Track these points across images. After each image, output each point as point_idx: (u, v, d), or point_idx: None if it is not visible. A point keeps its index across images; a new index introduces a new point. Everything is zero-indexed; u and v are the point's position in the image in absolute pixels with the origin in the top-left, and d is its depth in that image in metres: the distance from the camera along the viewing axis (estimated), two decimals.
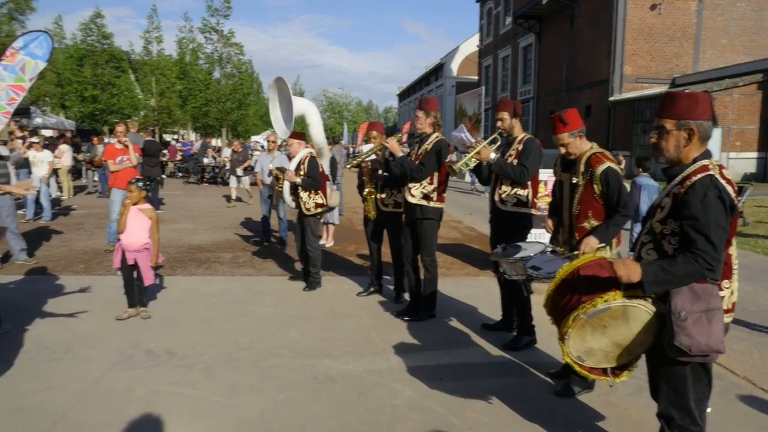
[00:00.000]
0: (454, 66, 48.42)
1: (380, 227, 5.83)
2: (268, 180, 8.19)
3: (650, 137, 2.47)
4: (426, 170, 4.89)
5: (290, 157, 6.40)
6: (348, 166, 5.74)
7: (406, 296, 5.60)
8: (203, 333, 4.73)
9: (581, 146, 3.63)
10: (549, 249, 3.59)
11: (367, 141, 6.25)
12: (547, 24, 27.55)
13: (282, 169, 6.42)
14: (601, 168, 3.48)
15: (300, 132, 6.46)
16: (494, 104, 31.92)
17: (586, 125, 3.72)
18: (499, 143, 4.63)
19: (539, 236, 5.77)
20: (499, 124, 4.56)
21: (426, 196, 4.94)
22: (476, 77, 39.23)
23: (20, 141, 9.85)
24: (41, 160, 9.84)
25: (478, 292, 6.15)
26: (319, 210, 6.18)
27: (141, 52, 34.94)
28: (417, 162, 4.95)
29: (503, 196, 4.52)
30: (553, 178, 4.06)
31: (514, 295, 4.55)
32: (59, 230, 9.50)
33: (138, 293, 5.17)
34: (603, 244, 3.48)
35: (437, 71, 51.99)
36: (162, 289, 6.00)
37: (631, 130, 20.83)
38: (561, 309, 2.51)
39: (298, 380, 3.84)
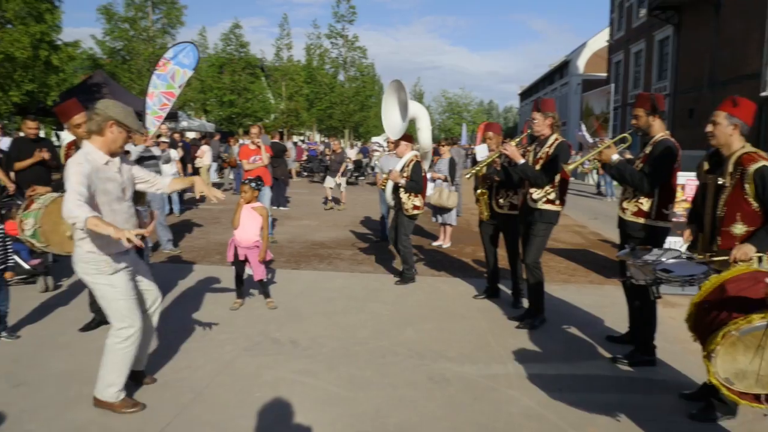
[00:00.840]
0: (581, 63, 46.06)
1: (496, 229, 5.71)
2: None
3: None
4: (548, 176, 4.71)
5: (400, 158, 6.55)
6: (467, 176, 5.75)
7: (525, 302, 5.42)
8: (324, 326, 4.94)
9: (729, 138, 3.27)
10: (685, 255, 3.29)
11: (483, 142, 6.19)
12: (687, 14, 25.27)
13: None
14: (754, 166, 3.11)
15: (408, 134, 6.56)
16: (624, 102, 29.95)
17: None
18: (628, 143, 4.32)
19: (673, 245, 5.29)
20: (633, 122, 4.22)
21: (547, 200, 4.77)
22: (605, 74, 37.02)
23: (165, 143, 10.84)
24: None
25: (603, 301, 5.80)
26: (416, 212, 6.32)
27: (273, 59, 37.39)
28: (537, 166, 4.78)
29: (623, 203, 4.20)
30: (693, 182, 3.70)
31: (640, 305, 4.20)
32: (199, 223, 10.42)
33: (260, 287, 5.50)
34: (760, 254, 3.08)
35: (562, 69, 49.78)
36: (286, 283, 6.35)
37: None
38: (708, 324, 2.28)
39: (414, 379, 3.88)
